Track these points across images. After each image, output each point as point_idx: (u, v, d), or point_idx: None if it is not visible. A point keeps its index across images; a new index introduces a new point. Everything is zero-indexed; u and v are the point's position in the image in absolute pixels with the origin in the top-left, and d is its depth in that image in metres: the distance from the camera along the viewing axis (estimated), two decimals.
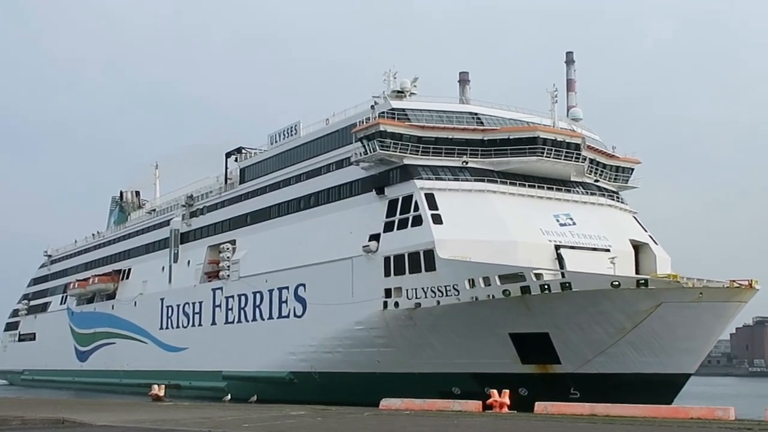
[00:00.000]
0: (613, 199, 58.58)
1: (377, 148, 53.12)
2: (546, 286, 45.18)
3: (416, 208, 51.71)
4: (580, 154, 55.54)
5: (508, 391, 34.74)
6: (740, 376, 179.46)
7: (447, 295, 48.71)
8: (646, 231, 57.90)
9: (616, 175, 60.64)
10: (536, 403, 32.65)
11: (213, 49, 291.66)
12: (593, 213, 55.67)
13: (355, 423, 24.00)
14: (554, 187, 55.18)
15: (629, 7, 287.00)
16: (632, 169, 61.65)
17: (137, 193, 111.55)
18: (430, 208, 51.10)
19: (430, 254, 49.67)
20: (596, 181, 58.53)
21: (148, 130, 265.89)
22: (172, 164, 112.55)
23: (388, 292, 52.11)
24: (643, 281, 44.26)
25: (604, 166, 59.71)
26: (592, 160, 57.83)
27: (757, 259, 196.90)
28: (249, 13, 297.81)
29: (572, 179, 56.54)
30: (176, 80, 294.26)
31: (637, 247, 55.39)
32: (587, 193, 56.96)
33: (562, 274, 47.26)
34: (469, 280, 47.62)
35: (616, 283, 44.14)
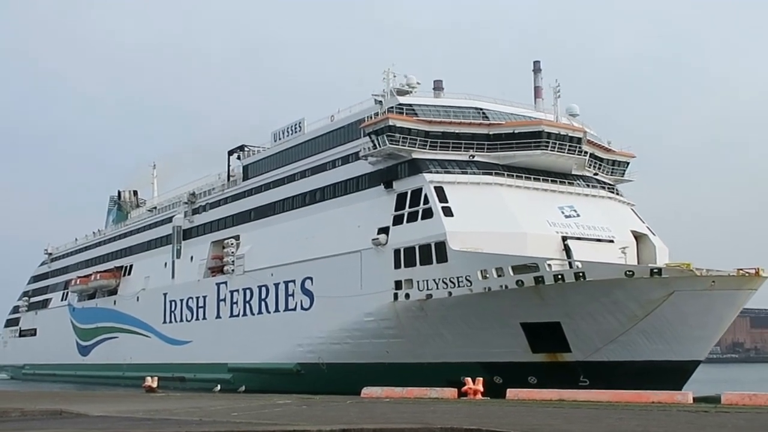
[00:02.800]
0: (612, 192, 56.73)
1: (387, 142, 50.72)
2: (560, 276, 43.09)
3: (426, 201, 49.37)
4: (581, 148, 53.65)
5: (481, 378, 33.96)
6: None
7: (459, 286, 46.44)
8: (644, 222, 56.08)
9: (612, 169, 58.85)
10: (508, 389, 32.11)
11: (206, 64, 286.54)
12: (595, 205, 53.79)
13: (338, 410, 23.90)
14: (557, 180, 53.20)
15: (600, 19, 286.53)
16: (628, 163, 59.87)
17: (135, 193, 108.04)
18: (440, 201, 48.82)
19: (441, 246, 47.38)
20: (595, 174, 56.70)
21: (145, 138, 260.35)
22: (170, 164, 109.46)
23: (398, 284, 49.73)
24: (656, 270, 42.23)
25: (602, 159, 57.87)
26: (591, 154, 55.92)
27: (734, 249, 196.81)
28: (237, 29, 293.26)
29: (573, 172, 54.59)
30: (167, 92, 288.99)
31: (638, 237, 53.50)
32: (588, 185, 55.07)
33: (570, 264, 45.34)
34: (481, 270, 45.39)
35: (630, 272, 42.20)
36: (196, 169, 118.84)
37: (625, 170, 59.59)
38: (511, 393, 31.32)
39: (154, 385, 46.58)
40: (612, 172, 58.64)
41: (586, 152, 54.35)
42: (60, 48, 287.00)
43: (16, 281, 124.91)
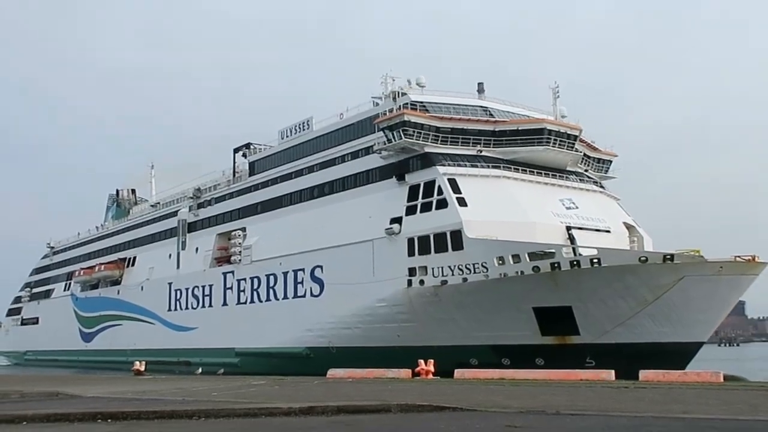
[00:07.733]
0: (601, 188, 53.86)
1: (402, 136, 46.95)
2: (576, 262, 39.78)
3: (440, 192, 45.71)
4: (576, 146, 50.67)
5: (432, 360, 32.85)
6: None
7: (475, 273, 42.85)
8: (629, 215, 53.29)
9: (598, 166, 55.97)
10: (455, 370, 31.23)
11: (194, 85, 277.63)
12: (589, 198, 50.82)
13: (306, 390, 23.85)
14: (555, 175, 50.09)
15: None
16: (611, 161, 57.06)
17: (133, 191, 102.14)
18: (454, 192, 45.25)
19: (457, 234, 43.76)
20: (585, 170, 53.76)
21: (141, 151, 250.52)
22: (168, 166, 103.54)
23: (412, 271, 45.92)
24: (669, 256, 39.23)
25: (589, 157, 54.95)
26: (583, 152, 52.96)
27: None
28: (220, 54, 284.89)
29: (568, 168, 51.55)
30: (163, 111, 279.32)
31: (627, 228, 50.72)
32: (581, 181, 52.07)
33: (574, 251, 42.11)
34: (498, 257, 41.90)
35: (644, 258, 39.16)
36: (195, 171, 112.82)
37: (608, 168, 56.84)
38: (458, 373, 30.72)
39: (142, 368, 45.43)
40: (598, 170, 55.80)
41: (579, 150, 51.42)
42: (57, 68, 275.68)
43: (14, 281, 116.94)
